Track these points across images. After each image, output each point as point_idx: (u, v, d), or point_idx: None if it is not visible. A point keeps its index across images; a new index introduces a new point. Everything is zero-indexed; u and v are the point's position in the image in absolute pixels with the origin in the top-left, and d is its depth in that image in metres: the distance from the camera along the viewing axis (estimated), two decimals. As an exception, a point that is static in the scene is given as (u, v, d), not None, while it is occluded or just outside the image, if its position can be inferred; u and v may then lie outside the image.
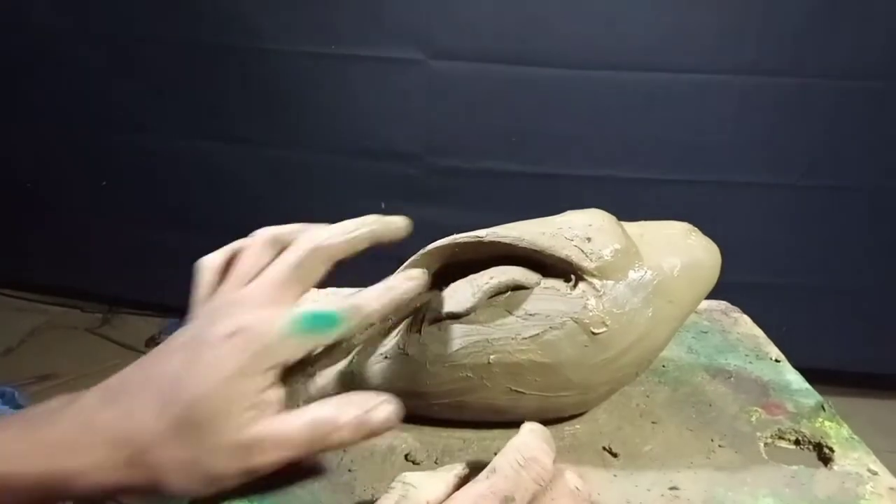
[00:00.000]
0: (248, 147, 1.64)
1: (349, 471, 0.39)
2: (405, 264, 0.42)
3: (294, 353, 0.34)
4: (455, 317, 0.39)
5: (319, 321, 0.34)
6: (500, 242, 0.40)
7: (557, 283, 0.39)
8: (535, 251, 0.40)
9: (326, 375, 0.44)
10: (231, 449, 0.32)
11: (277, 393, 0.34)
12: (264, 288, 0.36)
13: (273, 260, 0.37)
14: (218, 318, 0.34)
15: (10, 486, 0.31)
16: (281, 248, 0.38)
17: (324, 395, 0.44)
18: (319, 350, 0.45)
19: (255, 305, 0.35)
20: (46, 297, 1.93)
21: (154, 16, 1.55)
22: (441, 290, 0.42)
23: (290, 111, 1.59)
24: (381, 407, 0.34)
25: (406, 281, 0.37)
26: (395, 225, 0.38)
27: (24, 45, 1.59)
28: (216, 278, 0.38)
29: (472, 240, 0.41)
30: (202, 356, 0.33)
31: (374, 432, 0.34)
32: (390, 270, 0.40)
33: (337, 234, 0.37)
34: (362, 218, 0.37)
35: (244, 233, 0.40)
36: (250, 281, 0.37)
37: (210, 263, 0.39)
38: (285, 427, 0.33)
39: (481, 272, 0.40)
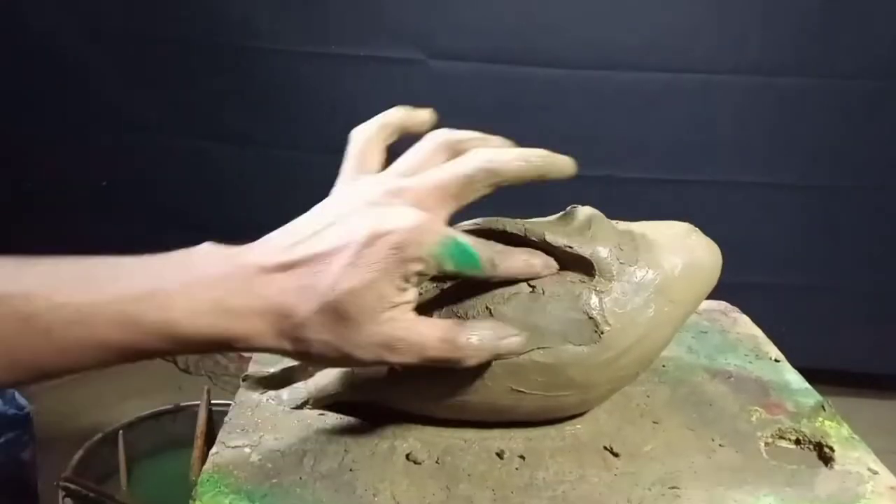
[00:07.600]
0: (247, 147, 1.63)
1: (350, 470, 0.39)
2: None
3: (435, 270, 0.34)
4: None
5: (465, 257, 0.35)
6: (511, 233, 0.40)
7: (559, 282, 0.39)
8: (548, 244, 0.39)
9: (327, 375, 0.44)
10: (370, 344, 0.34)
11: (413, 293, 0.35)
12: (427, 188, 0.35)
13: (443, 162, 0.37)
14: (373, 206, 0.35)
15: (179, 340, 0.33)
16: (453, 153, 0.38)
17: (324, 394, 0.44)
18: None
19: (412, 203, 0.35)
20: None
21: (154, 16, 1.55)
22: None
23: (289, 111, 1.59)
24: (511, 339, 0.36)
25: (536, 259, 0.38)
26: (563, 164, 0.37)
27: (24, 45, 1.59)
28: (370, 149, 0.40)
29: (473, 227, 0.40)
30: (355, 250, 0.33)
31: (498, 356, 0.36)
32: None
33: (513, 158, 0.36)
34: (534, 150, 0.37)
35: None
36: (413, 175, 0.37)
37: (365, 135, 0.41)
38: (420, 335, 0.35)
39: (494, 292, 0.39)
